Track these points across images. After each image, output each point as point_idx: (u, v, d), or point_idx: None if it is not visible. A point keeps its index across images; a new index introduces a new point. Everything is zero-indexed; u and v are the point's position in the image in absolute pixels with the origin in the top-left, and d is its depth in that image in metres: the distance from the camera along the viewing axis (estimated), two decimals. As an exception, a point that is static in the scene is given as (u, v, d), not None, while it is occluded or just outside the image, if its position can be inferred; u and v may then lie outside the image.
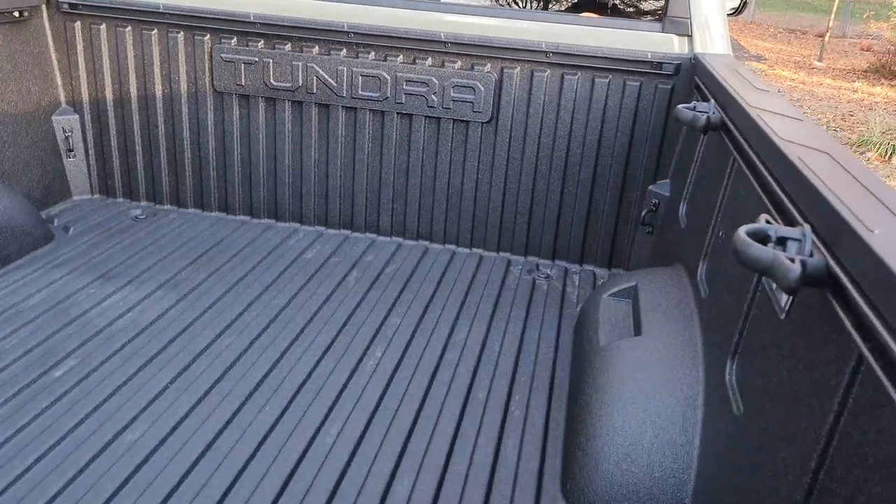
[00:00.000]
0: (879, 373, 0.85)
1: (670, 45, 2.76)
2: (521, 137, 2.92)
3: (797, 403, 1.10)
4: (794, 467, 1.05)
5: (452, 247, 3.13)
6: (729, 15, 3.70)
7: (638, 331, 1.94)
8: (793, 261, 1.01)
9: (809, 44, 19.18)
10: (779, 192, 1.37)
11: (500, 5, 3.08)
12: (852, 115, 10.54)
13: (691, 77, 2.70)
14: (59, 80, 3.14)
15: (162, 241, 2.93)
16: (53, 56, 3.11)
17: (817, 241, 1.09)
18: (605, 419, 1.69)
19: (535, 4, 3.08)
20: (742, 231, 1.11)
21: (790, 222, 1.27)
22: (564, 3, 3.10)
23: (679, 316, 1.90)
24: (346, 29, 2.87)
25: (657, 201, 2.80)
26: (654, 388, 1.69)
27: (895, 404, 0.80)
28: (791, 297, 1.22)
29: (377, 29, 2.86)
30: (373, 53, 2.91)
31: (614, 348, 1.88)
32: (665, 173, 2.87)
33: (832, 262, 1.01)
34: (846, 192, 1.12)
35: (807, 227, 1.10)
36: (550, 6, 3.16)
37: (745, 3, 4.48)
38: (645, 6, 2.97)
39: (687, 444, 1.59)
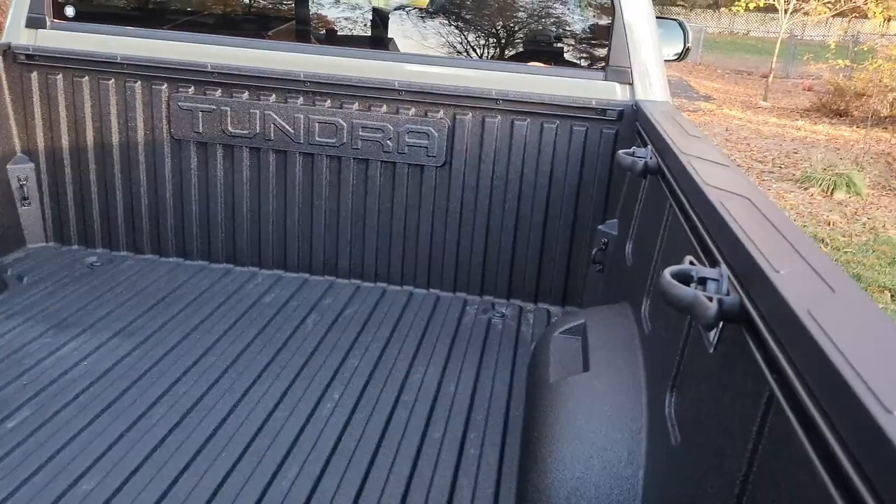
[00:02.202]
0: (783, 403, 0.93)
1: (613, 93, 2.90)
2: (475, 181, 3.02)
3: (723, 434, 1.18)
4: (722, 495, 1.12)
5: (410, 288, 3.19)
6: (672, 60, 3.89)
7: (586, 367, 2.02)
8: (710, 300, 1.10)
9: (755, 84, 19.98)
10: (704, 234, 1.47)
11: (457, 52, 3.20)
12: (796, 153, 10.99)
13: (633, 122, 2.84)
14: (14, 130, 3.15)
15: (118, 289, 2.93)
16: (9, 106, 3.12)
17: (734, 281, 1.18)
18: (555, 454, 1.74)
19: (489, 52, 3.21)
20: (667, 272, 1.20)
21: (714, 263, 1.36)
22: (510, 51, 3.24)
23: (624, 352, 1.98)
24: (302, 78, 2.95)
25: (606, 240, 2.91)
26: (601, 422, 1.75)
27: (797, 433, 0.88)
28: (718, 333, 1.31)
29: (333, 77, 2.95)
30: (329, 101, 2.99)
31: (563, 384, 1.94)
32: (613, 213, 2.98)
33: (746, 301, 1.10)
34: (760, 236, 1.22)
35: (724, 267, 1.19)
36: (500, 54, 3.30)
37: (688, 49, 4.71)
38: (588, 55, 3.12)
39: (632, 477, 1.65)
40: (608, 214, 3.00)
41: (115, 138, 3.14)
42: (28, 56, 3.06)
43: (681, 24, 4.54)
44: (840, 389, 0.77)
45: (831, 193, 8.58)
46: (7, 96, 3.11)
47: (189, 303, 2.86)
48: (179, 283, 3.04)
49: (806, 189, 8.75)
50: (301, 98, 3.00)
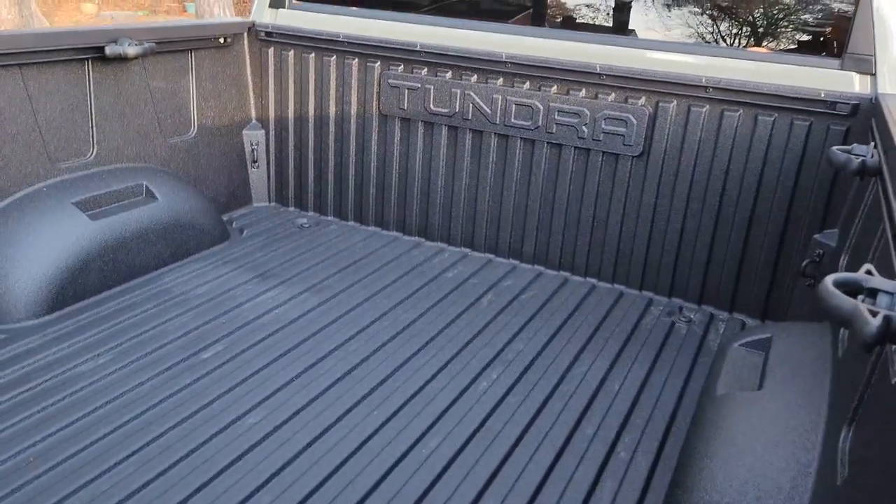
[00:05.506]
0: None
1: (849, 84, 2.53)
2: (673, 174, 2.81)
3: (889, 477, 0.97)
4: None
5: (593, 280, 3.07)
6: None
7: (761, 385, 1.79)
8: (875, 315, 0.91)
9: None
10: None
11: (666, 34, 3.00)
12: None
13: (870, 119, 2.45)
14: (252, 99, 3.53)
15: (319, 249, 3.17)
16: (249, 77, 3.50)
17: None
18: (705, 473, 1.57)
19: (703, 34, 2.96)
20: (829, 280, 1.02)
21: None
22: (727, 34, 2.96)
23: (809, 374, 1.73)
24: (503, 59, 2.95)
25: (822, 252, 2.56)
26: (765, 447, 1.54)
27: None
28: None
29: (533, 59, 2.91)
30: (528, 83, 2.96)
31: (729, 399, 1.74)
32: (834, 222, 2.61)
33: None
34: None
35: None
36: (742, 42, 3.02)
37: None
38: (821, 40, 2.75)
39: None
40: (828, 223, 2.63)
41: (332, 111, 3.39)
42: (267, 33, 3.41)
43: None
44: None
45: None
46: (248, 69, 3.49)
47: (377, 269, 3.01)
48: (372, 249, 3.21)
49: None
50: (501, 79, 3.00)
